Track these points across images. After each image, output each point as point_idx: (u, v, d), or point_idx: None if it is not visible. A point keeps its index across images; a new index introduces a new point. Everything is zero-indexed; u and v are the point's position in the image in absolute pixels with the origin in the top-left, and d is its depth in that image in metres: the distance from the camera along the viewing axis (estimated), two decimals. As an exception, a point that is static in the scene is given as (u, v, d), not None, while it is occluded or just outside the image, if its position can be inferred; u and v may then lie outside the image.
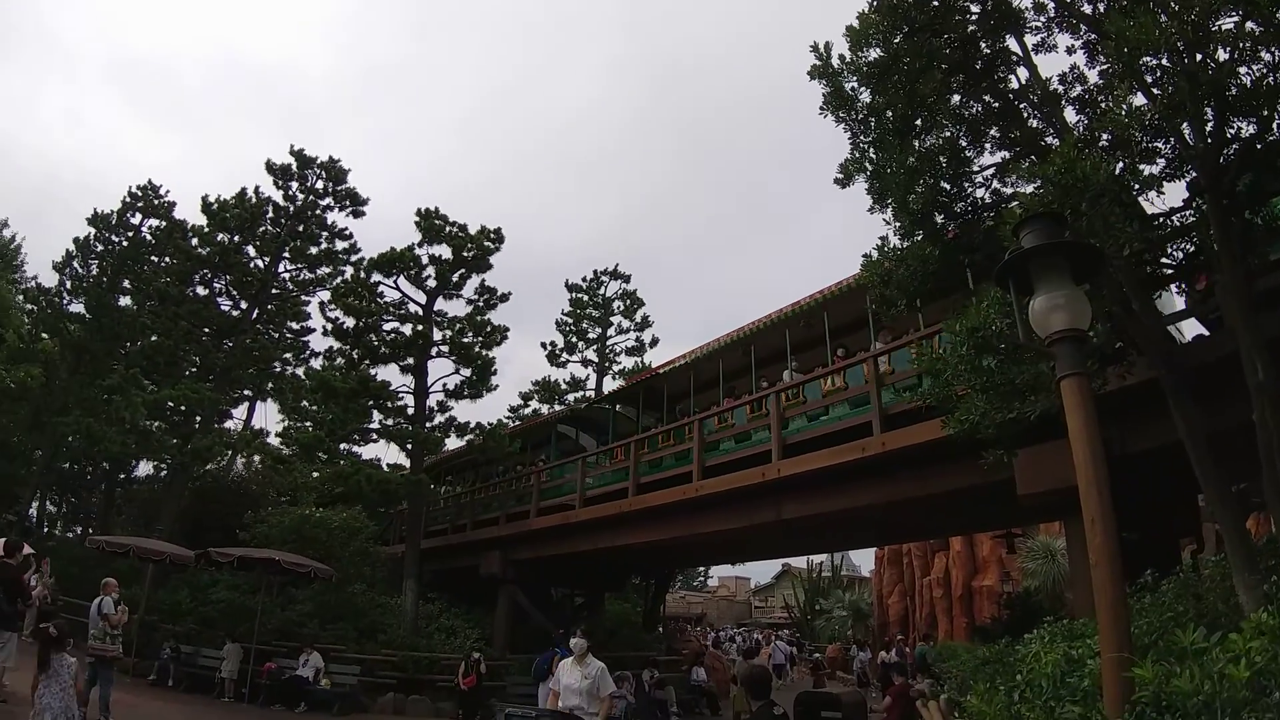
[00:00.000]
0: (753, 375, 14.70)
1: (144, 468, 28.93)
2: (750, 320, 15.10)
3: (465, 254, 20.89)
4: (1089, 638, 5.01)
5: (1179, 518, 9.15)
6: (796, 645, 31.68)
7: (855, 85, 7.05)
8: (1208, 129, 5.18)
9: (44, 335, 26.15)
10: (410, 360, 20.63)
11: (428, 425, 20.27)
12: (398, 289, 20.93)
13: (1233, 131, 5.33)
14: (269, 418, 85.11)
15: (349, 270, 24.13)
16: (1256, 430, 5.13)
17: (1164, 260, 6.32)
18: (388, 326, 20.84)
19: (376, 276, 20.80)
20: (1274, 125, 5.33)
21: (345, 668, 16.09)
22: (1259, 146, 5.40)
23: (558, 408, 28.97)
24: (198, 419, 24.03)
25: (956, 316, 6.23)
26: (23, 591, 10.39)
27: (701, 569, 53.11)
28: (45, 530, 29.36)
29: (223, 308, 24.96)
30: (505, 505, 20.31)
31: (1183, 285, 6.79)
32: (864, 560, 44.07)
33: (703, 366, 16.18)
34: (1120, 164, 4.95)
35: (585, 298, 32.57)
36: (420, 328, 20.53)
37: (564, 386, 31.37)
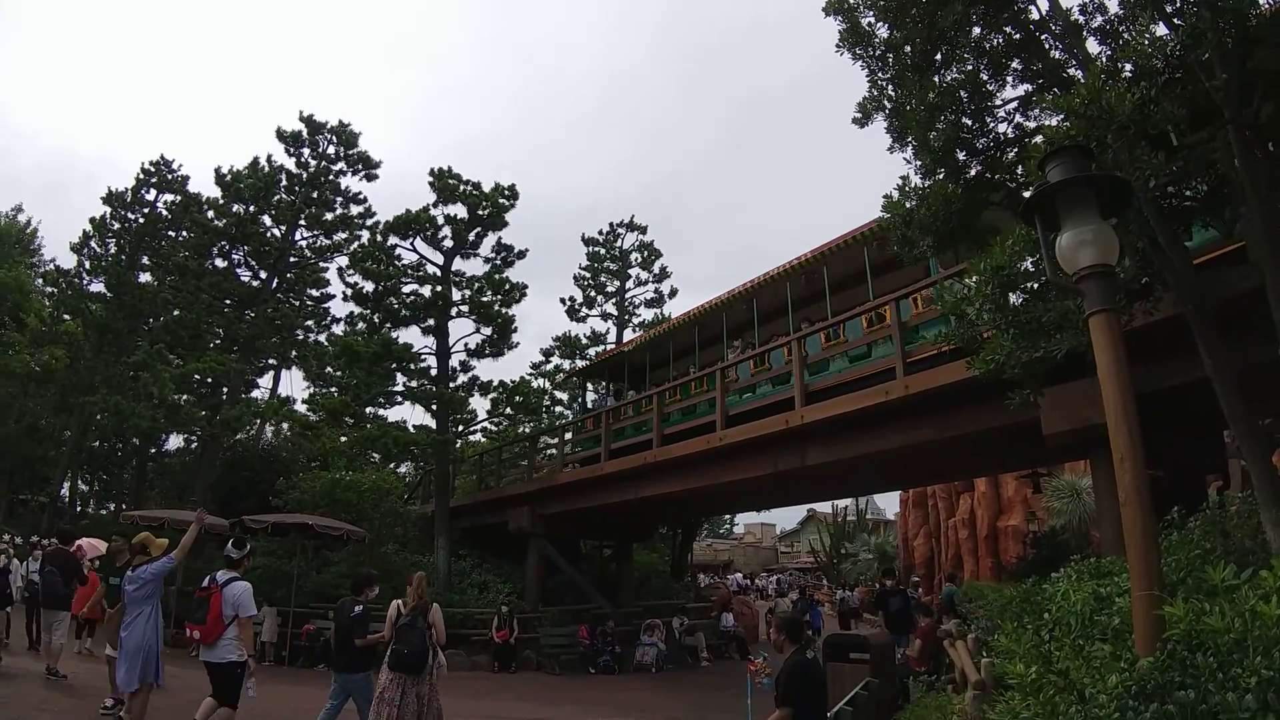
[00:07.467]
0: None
1: (174, 441, 29.49)
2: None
3: (480, 213, 20.84)
4: (1117, 576, 4.99)
5: (1205, 454, 9.07)
6: (776, 580, 42.36)
7: (872, 20, 6.85)
8: (1229, 58, 5.01)
9: (66, 317, 26.38)
10: (431, 321, 20.77)
11: (451, 385, 20.45)
12: (415, 251, 21.03)
13: (1254, 63, 5.15)
14: (295, 385, 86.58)
15: (365, 234, 24.26)
16: (1284, 365, 5.03)
17: (1188, 193, 6.16)
18: (407, 289, 20.99)
19: (393, 239, 20.86)
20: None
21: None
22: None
23: (579, 363, 29.00)
24: (224, 390, 24.42)
25: (981, 255, 6.12)
26: (79, 574, 10.92)
27: (728, 517, 53.62)
28: (78, 509, 29.93)
29: (242, 278, 25.17)
30: (532, 461, 20.46)
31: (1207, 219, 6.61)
32: (889, 503, 44.32)
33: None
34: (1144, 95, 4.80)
35: (602, 251, 32.35)
36: (439, 289, 20.59)
37: (584, 341, 31.41)
